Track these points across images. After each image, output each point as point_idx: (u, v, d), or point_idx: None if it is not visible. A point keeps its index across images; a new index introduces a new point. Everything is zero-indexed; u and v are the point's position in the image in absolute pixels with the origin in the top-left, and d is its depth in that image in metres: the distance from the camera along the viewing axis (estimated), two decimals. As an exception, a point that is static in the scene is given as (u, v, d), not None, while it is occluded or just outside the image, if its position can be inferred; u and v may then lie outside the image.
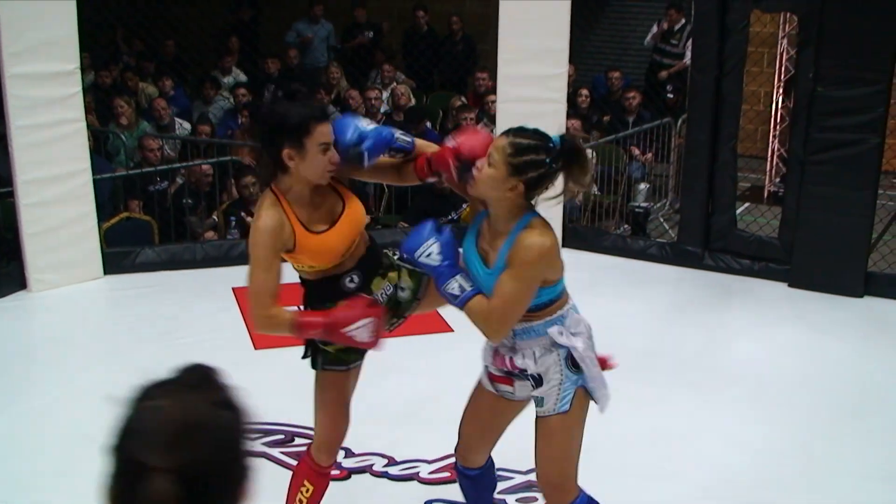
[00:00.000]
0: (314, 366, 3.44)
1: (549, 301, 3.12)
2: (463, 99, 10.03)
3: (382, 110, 9.84)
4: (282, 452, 4.54)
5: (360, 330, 3.11)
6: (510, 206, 3.03)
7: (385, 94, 10.23)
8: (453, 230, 3.20)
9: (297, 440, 4.65)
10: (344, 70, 11.14)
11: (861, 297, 6.63)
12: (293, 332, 3.15)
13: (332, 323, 3.11)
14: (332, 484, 4.25)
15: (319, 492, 3.53)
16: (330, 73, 10.91)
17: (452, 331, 5.98)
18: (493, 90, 8.42)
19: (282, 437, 4.68)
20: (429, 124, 9.42)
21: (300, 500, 3.49)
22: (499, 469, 4.32)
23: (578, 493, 3.29)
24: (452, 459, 4.38)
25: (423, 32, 11.78)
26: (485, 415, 3.46)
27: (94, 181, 6.82)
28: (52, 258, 6.61)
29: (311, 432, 4.61)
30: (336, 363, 3.39)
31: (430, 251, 3.06)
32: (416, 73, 11.43)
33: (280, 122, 3.08)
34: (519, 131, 3.03)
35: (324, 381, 3.44)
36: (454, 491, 4.22)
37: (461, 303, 3.07)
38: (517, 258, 2.98)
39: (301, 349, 3.49)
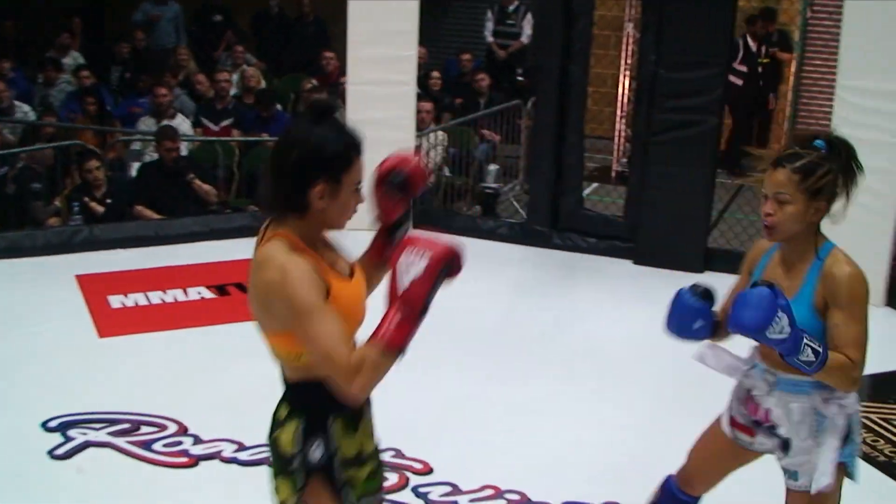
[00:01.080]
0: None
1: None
2: (314, 81, 9.95)
3: (232, 93, 9.69)
4: (127, 442, 4.45)
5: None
6: (814, 234, 2.83)
7: (235, 77, 10.08)
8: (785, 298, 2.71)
9: (143, 428, 4.56)
10: (193, 52, 10.95)
11: (702, 272, 6.82)
12: (392, 354, 2.29)
13: (408, 299, 2.30)
14: (181, 471, 4.23)
15: None
16: (178, 55, 10.70)
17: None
18: (343, 71, 8.39)
19: (127, 426, 4.58)
20: (279, 107, 9.33)
21: None
22: None
23: None
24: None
25: (274, 14, 11.66)
26: (713, 453, 3.21)
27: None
28: None
29: (159, 420, 4.62)
30: (370, 495, 2.61)
31: (782, 325, 2.58)
32: (267, 56, 11.30)
33: (317, 151, 2.37)
34: (792, 156, 2.78)
35: None
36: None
37: (819, 365, 2.66)
38: (847, 295, 2.76)
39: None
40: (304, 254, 2.35)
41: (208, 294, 6.24)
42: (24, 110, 9.16)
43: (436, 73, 10.19)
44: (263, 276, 2.34)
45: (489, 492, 4.09)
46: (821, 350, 2.66)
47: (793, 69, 11.20)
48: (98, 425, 4.55)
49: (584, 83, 7.25)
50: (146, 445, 4.43)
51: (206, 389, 4.97)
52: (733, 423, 3.10)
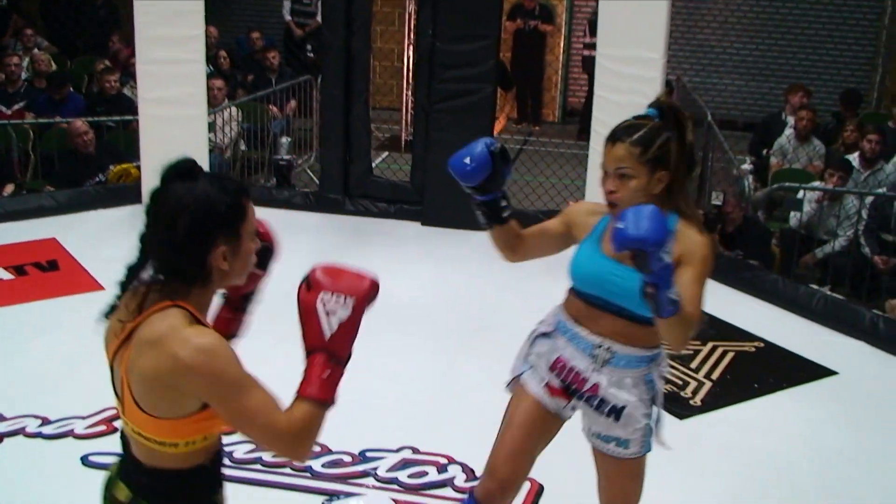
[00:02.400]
0: None
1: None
2: (107, 62, 9.64)
3: (23, 77, 9.29)
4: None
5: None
6: (660, 204, 2.55)
7: (25, 61, 9.66)
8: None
9: None
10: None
11: (484, 230, 6.98)
12: (326, 406, 2.03)
13: (330, 347, 2.06)
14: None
15: None
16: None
17: (103, 289, 5.80)
18: (132, 54, 8.17)
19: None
20: (72, 89, 9.00)
21: None
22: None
23: None
24: (109, 413, 4.33)
25: (63, -2, 11.24)
26: (527, 429, 2.90)
27: None
28: None
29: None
30: None
31: (669, 251, 2.40)
32: (59, 39, 10.87)
33: (210, 210, 2.00)
34: (629, 128, 2.66)
35: None
36: (111, 442, 4.14)
37: (675, 310, 2.43)
38: (695, 257, 2.60)
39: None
40: (209, 328, 2.04)
41: (6, 275, 5.99)
42: None
43: (223, 53, 10.05)
44: (169, 358, 1.92)
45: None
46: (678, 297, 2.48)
47: (562, 41, 11.56)
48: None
49: (367, 57, 7.28)
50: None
51: (8, 367, 4.81)
52: (548, 387, 2.89)
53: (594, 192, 6.60)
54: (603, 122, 6.53)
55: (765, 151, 8.53)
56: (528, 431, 2.89)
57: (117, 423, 4.22)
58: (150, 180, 7.07)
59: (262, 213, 6.95)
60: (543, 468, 3.94)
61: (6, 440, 4.17)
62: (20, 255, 6.26)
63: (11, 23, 10.88)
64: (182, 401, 1.97)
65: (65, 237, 6.59)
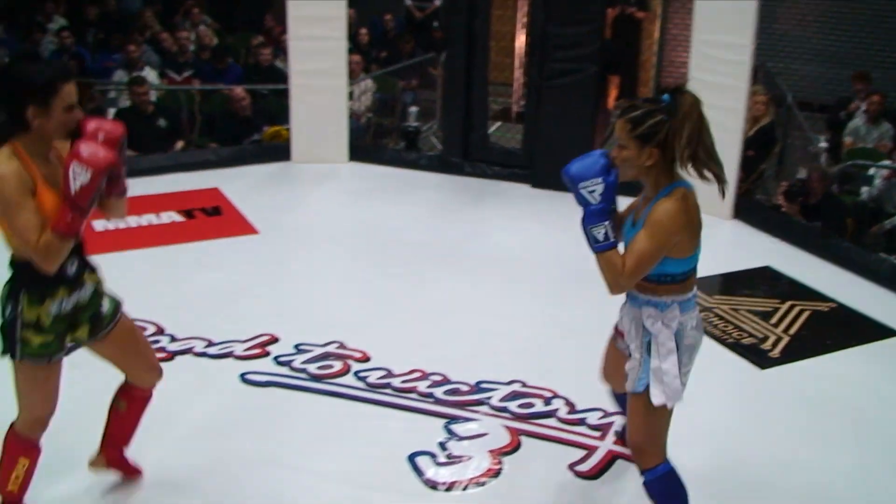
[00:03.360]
0: (11, 355, 2.80)
1: (670, 277, 2.75)
2: (261, 38, 9.72)
3: (191, 49, 9.44)
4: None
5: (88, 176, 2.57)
6: (655, 176, 2.69)
7: (193, 35, 9.80)
8: (616, 175, 2.69)
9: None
10: (157, 14, 10.61)
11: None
12: (66, 239, 2.59)
13: (74, 199, 2.57)
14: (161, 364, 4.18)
15: (33, 464, 2.97)
16: (143, 17, 10.36)
17: (258, 232, 5.88)
18: (284, 30, 8.21)
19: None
20: (231, 60, 9.10)
21: (16, 477, 2.95)
22: (301, 344, 4.35)
23: (660, 462, 2.90)
24: (263, 339, 4.41)
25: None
26: (610, 361, 3.19)
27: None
28: None
29: (141, 322, 4.54)
30: (37, 357, 2.79)
31: (595, 189, 2.61)
32: (220, 16, 11.00)
33: (26, 81, 2.57)
34: (629, 108, 2.68)
35: (25, 372, 2.82)
36: (266, 364, 4.22)
37: (600, 249, 2.65)
38: (652, 219, 2.64)
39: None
40: (21, 160, 2.60)
41: (178, 217, 6.10)
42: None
43: (363, 30, 10.04)
44: None
45: (417, 374, 4.13)
46: (612, 241, 2.65)
47: (657, 26, 11.26)
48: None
49: (487, 37, 7.17)
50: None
51: (178, 296, 4.91)
52: (616, 329, 3.09)
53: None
54: (696, 101, 6.36)
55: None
56: (608, 359, 3.20)
57: (270, 348, 4.34)
58: (298, 140, 7.20)
59: (392, 173, 7.05)
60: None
61: (177, 357, 4.27)
62: (189, 201, 6.36)
63: (185, 3, 11.02)
64: None
65: (226, 187, 6.67)
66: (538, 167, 6.96)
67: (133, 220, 5.98)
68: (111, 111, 8.00)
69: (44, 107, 2.57)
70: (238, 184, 6.74)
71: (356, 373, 4.15)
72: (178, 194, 6.50)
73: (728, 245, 6.04)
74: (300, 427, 3.76)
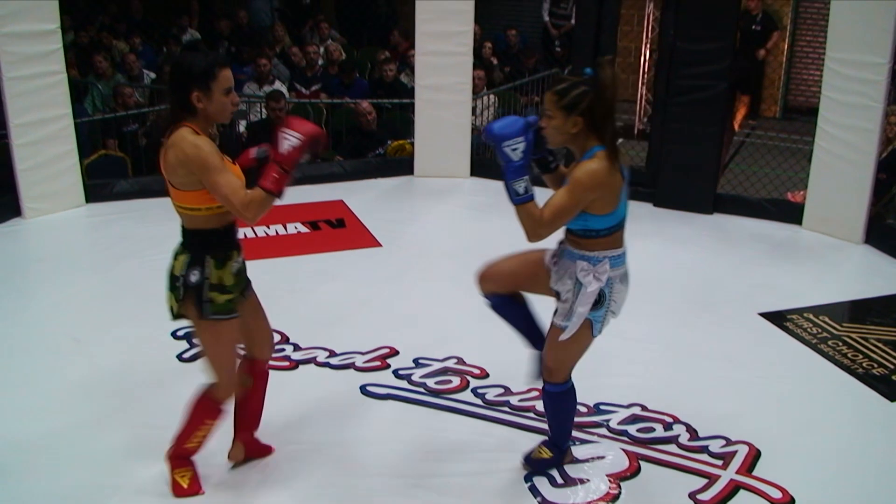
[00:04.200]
0: (201, 315, 3.04)
1: (594, 232, 3.05)
2: (387, 53, 9.87)
3: (320, 63, 9.65)
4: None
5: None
6: (581, 143, 2.97)
7: (321, 50, 10.03)
8: (533, 135, 2.98)
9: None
10: (286, 29, 10.90)
11: (711, 213, 6.75)
12: (271, 195, 2.88)
13: (282, 159, 2.88)
14: (282, 373, 4.27)
15: (215, 426, 3.28)
16: (274, 31, 10.66)
17: (381, 245, 5.96)
18: (409, 46, 8.32)
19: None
20: (357, 75, 9.27)
21: (199, 436, 3.26)
22: (420, 358, 4.38)
23: (564, 380, 3.35)
24: (383, 351, 4.45)
25: (353, -3, 11.60)
26: (527, 268, 3.35)
27: (75, 124, 6.62)
28: (41, 189, 6.43)
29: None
30: (226, 312, 3.07)
31: (518, 147, 2.89)
32: (348, 31, 11.22)
33: (188, 69, 2.90)
34: (557, 81, 2.98)
35: (216, 330, 3.08)
36: (385, 377, 4.26)
37: (519, 201, 2.93)
38: (573, 177, 2.93)
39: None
40: (204, 136, 2.90)
41: (303, 229, 6.25)
42: (151, 77, 9.20)
43: (488, 44, 10.08)
44: (179, 151, 2.87)
45: (535, 393, 4.11)
46: (530, 194, 2.92)
47: (786, 43, 10.97)
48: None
49: (613, 53, 7.11)
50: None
51: (302, 306, 5.01)
52: (552, 254, 3.28)
53: (817, 183, 6.31)
54: (829, 121, 6.17)
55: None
56: (530, 269, 3.34)
57: (390, 361, 4.38)
58: (421, 154, 7.28)
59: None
60: (760, 434, 3.80)
61: (301, 367, 4.36)
62: (314, 213, 6.50)
63: (312, 18, 11.28)
64: (191, 178, 2.89)
65: (350, 200, 6.80)
66: (662, 186, 6.86)
67: (261, 231, 6.14)
68: (242, 123, 8.25)
69: (206, 90, 2.88)
70: (362, 197, 6.85)
71: (474, 389, 4.16)
72: (305, 206, 6.64)
73: (858, 271, 5.83)
74: (417, 442, 3.77)
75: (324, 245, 5.94)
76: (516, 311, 3.52)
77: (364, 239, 6.05)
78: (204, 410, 3.23)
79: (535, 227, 2.97)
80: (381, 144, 7.82)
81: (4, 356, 4.47)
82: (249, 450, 3.51)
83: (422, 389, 4.16)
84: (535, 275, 3.31)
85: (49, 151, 6.43)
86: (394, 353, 4.46)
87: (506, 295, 3.45)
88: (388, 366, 4.36)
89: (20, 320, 4.87)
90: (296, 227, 6.23)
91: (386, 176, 7.39)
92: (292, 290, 5.21)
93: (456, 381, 4.22)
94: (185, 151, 2.86)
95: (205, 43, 10.20)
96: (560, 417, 3.48)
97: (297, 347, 4.49)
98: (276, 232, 6.16)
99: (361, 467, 3.59)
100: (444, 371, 4.31)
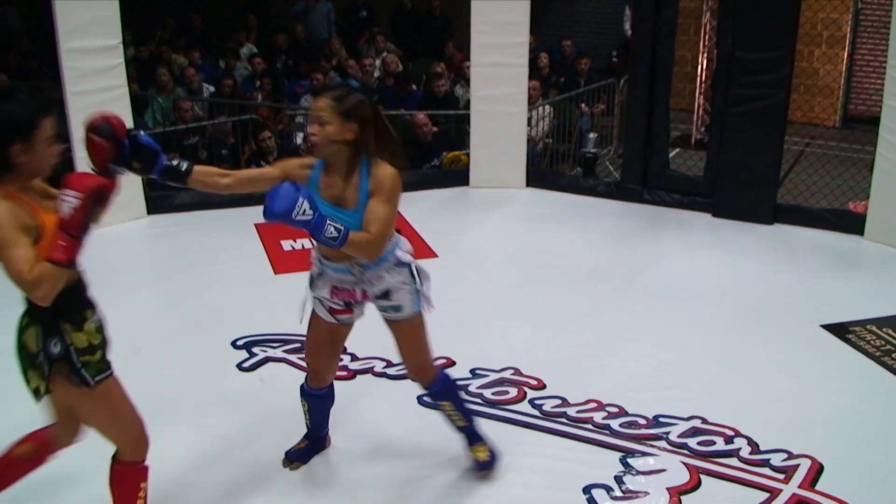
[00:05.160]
0: (84, 383, 2.72)
1: None
2: (441, 65, 9.88)
3: (376, 75, 9.72)
4: (299, 358, 4.54)
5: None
6: (350, 153, 2.97)
7: (377, 62, 10.10)
8: (306, 189, 2.93)
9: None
10: (343, 42, 11.00)
11: (771, 224, 6.65)
12: (60, 267, 2.49)
13: (66, 225, 2.50)
14: (341, 383, 4.29)
15: (147, 482, 2.95)
16: (331, 44, 10.76)
17: (436, 256, 5.97)
18: (464, 58, 8.33)
19: (298, 345, 4.66)
20: (413, 87, 9.32)
21: (141, 499, 2.92)
22: (477, 369, 4.38)
23: (437, 371, 3.44)
24: (440, 362, 4.45)
25: (408, 9, 11.65)
26: (326, 343, 3.36)
27: (138, 137, 6.74)
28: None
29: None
30: (106, 369, 2.79)
31: (304, 208, 2.82)
32: (403, 44, 11.29)
33: (6, 120, 2.55)
34: (329, 88, 3.03)
35: (101, 396, 2.78)
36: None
37: (342, 241, 2.89)
38: (382, 186, 2.96)
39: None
40: (14, 199, 2.53)
41: (360, 239, 6.27)
42: (210, 90, 9.34)
43: (544, 55, 10.06)
44: None
45: (593, 405, 4.08)
46: (342, 229, 2.88)
47: (846, 52, 10.81)
48: (275, 344, 4.66)
49: (670, 63, 7.06)
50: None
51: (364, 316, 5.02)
52: (333, 312, 3.28)
53: (880, 193, 6.18)
54: (891, 130, 6.05)
55: None
56: (327, 344, 3.36)
57: (447, 371, 4.36)
58: (477, 165, 7.28)
59: (569, 199, 7.00)
60: (823, 447, 3.72)
61: (358, 376, 4.38)
62: (370, 224, 6.51)
63: (368, 30, 11.37)
64: None
65: (406, 210, 6.76)
66: (720, 195, 6.78)
67: (318, 241, 6.18)
68: (299, 135, 8.34)
69: (27, 142, 2.55)
70: (418, 207, 6.87)
71: (531, 400, 4.14)
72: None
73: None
74: (475, 452, 3.76)
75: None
76: (328, 404, 3.59)
77: (420, 249, 6.05)
78: (130, 482, 2.91)
79: (369, 249, 2.98)
80: (436, 156, 7.84)
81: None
82: None
83: (479, 400, 4.15)
84: (328, 335, 3.35)
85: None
86: (450, 363, 4.46)
87: (329, 386, 3.52)
88: (442, 377, 4.35)
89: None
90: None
91: (441, 187, 7.41)
92: (349, 301, 5.23)
93: (513, 391, 4.21)
94: None
95: (262, 57, 10.32)
96: (461, 405, 3.52)
97: (354, 357, 4.51)
98: (333, 243, 6.19)
99: (417, 478, 3.58)
100: (501, 382, 4.30)
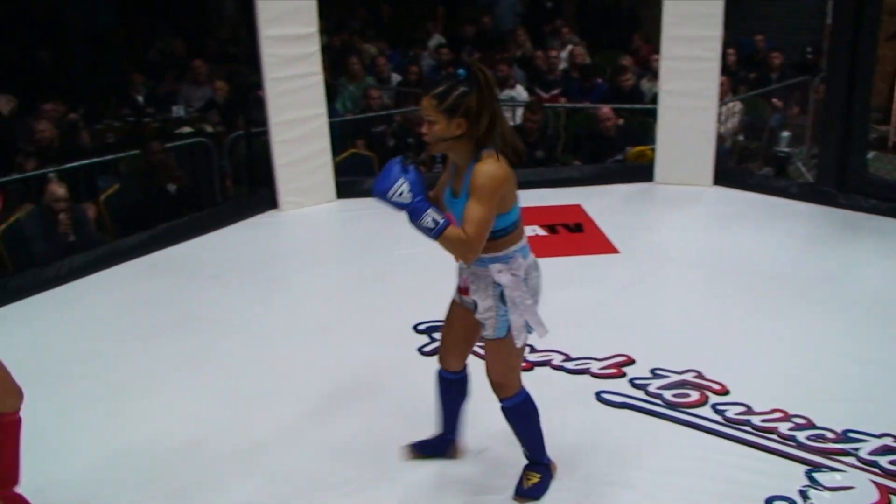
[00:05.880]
0: None
1: (502, 230, 2.99)
2: (628, 58, 9.68)
3: (561, 67, 9.66)
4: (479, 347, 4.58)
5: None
6: (465, 147, 2.92)
7: (563, 54, 10.03)
8: (419, 169, 2.93)
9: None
10: (528, 33, 10.99)
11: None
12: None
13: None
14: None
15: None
16: (517, 35, 10.77)
17: (618, 252, 5.89)
18: (651, 50, 8.15)
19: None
20: (599, 80, 9.21)
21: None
22: (657, 369, 4.30)
23: (517, 391, 3.27)
24: (620, 358, 4.40)
25: (595, 0, 11.54)
26: (456, 323, 3.30)
27: (329, 123, 6.96)
28: (297, 184, 6.82)
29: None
30: None
31: (402, 190, 2.83)
32: (588, 35, 11.18)
33: None
34: (430, 86, 2.96)
35: None
36: (621, 385, 4.21)
37: (437, 234, 2.87)
38: (476, 184, 2.87)
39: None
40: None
41: (541, 232, 6.28)
42: (397, 79, 9.54)
43: (731, 50, 9.73)
44: None
45: (779, 414, 3.93)
46: (441, 222, 2.84)
47: None
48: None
49: (872, 60, 6.68)
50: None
51: (540, 308, 5.01)
52: (459, 290, 3.22)
53: None
54: None
55: None
56: (450, 321, 3.33)
57: (626, 369, 4.33)
58: (662, 161, 7.10)
59: (759, 199, 6.79)
60: None
61: (536, 368, 4.39)
62: (552, 217, 6.51)
63: (554, 22, 11.32)
64: None
65: (588, 204, 6.77)
66: (922, 201, 6.39)
67: (499, 232, 6.22)
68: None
69: None
70: (600, 202, 6.80)
71: (714, 405, 4.03)
72: (543, 209, 6.66)
73: None
74: (653, 454, 3.70)
75: (561, 249, 5.93)
76: (460, 399, 3.51)
77: (602, 244, 6.00)
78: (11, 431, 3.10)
79: (464, 249, 2.90)
80: (619, 150, 7.73)
81: (257, 339, 4.77)
82: None
83: (659, 401, 4.07)
84: (452, 311, 3.31)
85: (305, 149, 6.81)
86: (630, 361, 4.40)
87: (463, 376, 3.45)
88: (625, 374, 4.30)
89: (273, 306, 5.19)
90: (533, 230, 6.26)
91: (625, 182, 7.29)
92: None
93: (695, 395, 4.11)
94: None
95: (449, 48, 10.45)
96: (530, 430, 3.37)
97: (532, 349, 4.51)
98: (515, 234, 6.21)
99: (590, 476, 3.56)
100: (683, 384, 4.21)
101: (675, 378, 4.25)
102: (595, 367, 4.36)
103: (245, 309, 5.15)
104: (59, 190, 5.91)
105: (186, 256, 6.09)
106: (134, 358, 4.61)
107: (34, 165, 6.61)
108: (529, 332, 3.16)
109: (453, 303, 3.31)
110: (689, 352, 4.48)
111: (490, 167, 2.88)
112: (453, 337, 3.36)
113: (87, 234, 6.12)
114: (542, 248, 5.90)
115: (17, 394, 3.11)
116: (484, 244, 2.92)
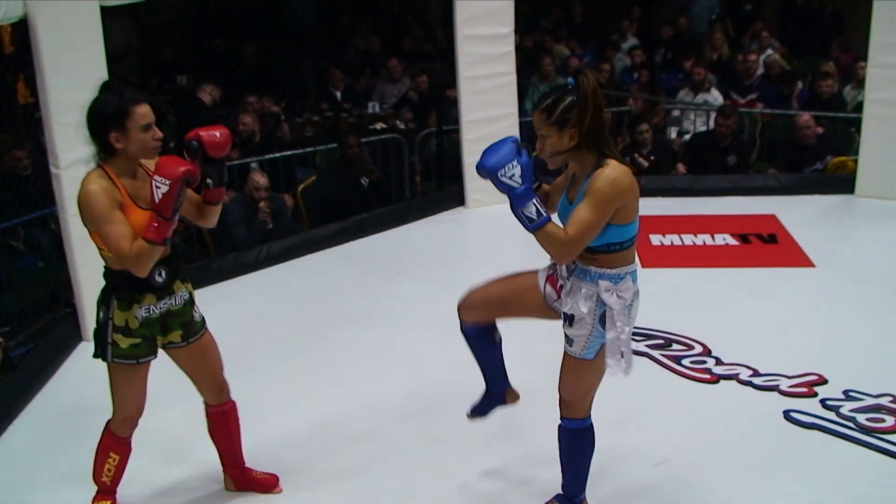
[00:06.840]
0: (103, 357, 3.05)
1: (617, 245, 2.82)
2: (831, 65, 9.20)
3: (759, 73, 9.31)
4: (661, 355, 4.51)
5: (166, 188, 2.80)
6: (583, 156, 2.78)
7: (761, 59, 9.66)
8: (531, 154, 2.77)
9: (674, 346, 4.59)
10: (725, 36, 10.66)
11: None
12: (154, 245, 2.83)
13: (158, 208, 2.81)
14: (703, 385, 4.21)
15: (125, 459, 3.24)
16: (713, 39, 10.47)
17: (814, 266, 5.64)
18: (852, 59, 7.72)
19: (661, 342, 4.64)
20: (800, 86, 8.83)
21: (108, 469, 3.22)
22: (851, 391, 4.09)
23: (584, 416, 3.06)
24: (811, 378, 4.21)
25: (798, 4, 11.06)
26: (521, 298, 3.12)
27: (519, 123, 6.99)
28: (483, 182, 6.82)
29: (687, 340, 4.61)
30: (126, 357, 3.04)
31: (514, 173, 2.69)
32: (789, 40, 10.73)
33: (102, 110, 2.86)
34: (539, 100, 2.82)
35: (115, 373, 3.08)
36: (811, 405, 4.03)
37: (536, 227, 2.72)
38: (592, 188, 2.71)
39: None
40: (110, 179, 2.87)
41: (732, 241, 6.08)
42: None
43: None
44: (77, 197, 2.87)
45: None
46: (545, 216, 2.72)
47: None
48: (638, 338, 4.63)
49: None
50: (677, 360, 4.47)
51: (727, 320, 4.89)
52: (548, 279, 3.05)
53: None
54: None
55: None
56: (513, 291, 3.15)
57: (818, 389, 4.14)
58: (866, 173, 6.72)
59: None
60: None
61: (722, 381, 4.26)
62: (744, 226, 6.30)
63: (753, 25, 10.94)
64: (87, 223, 2.89)
65: (783, 215, 6.50)
66: None
67: (688, 239, 6.10)
68: (673, 130, 8.23)
69: (122, 130, 2.85)
70: (796, 213, 6.53)
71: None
72: (734, 217, 6.48)
73: None
74: (840, 478, 3.52)
75: (753, 260, 5.74)
76: (492, 348, 3.33)
77: (796, 257, 5.76)
78: (106, 443, 3.21)
79: (560, 249, 2.76)
80: (819, 160, 7.39)
81: (436, 333, 4.84)
82: (240, 483, 3.53)
83: (851, 424, 3.87)
84: (524, 298, 3.12)
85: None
86: (822, 381, 4.21)
87: (485, 326, 3.26)
88: (816, 394, 4.12)
89: (450, 301, 5.24)
90: (724, 239, 6.08)
91: (823, 193, 6.96)
92: (718, 303, 5.12)
93: (890, 420, 3.88)
94: (79, 198, 2.87)
95: (642, 49, 10.29)
96: (576, 461, 3.15)
97: (718, 361, 4.40)
98: (704, 242, 6.06)
99: (772, 493, 3.43)
100: (878, 408, 3.98)
101: (870, 401, 4.03)
102: (784, 384, 4.20)
103: (432, 302, 5.24)
104: (260, 179, 6.22)
105: (375, 248, 6.28)
106: (324, 343, 4.80)
107: (238, 155, 6.97)
108: (619, 361, 2.92)
109: (535, 281, 3.11)
110: (887, 374, 4.25)
111: (614, 173, 2.74)
112: (504, 303, 3.18)
113: (285, 223, 6.41)
114: (732, 258, 5.78)
115: (219, 391, 3.33)
116: (581, 248, 2.77)
